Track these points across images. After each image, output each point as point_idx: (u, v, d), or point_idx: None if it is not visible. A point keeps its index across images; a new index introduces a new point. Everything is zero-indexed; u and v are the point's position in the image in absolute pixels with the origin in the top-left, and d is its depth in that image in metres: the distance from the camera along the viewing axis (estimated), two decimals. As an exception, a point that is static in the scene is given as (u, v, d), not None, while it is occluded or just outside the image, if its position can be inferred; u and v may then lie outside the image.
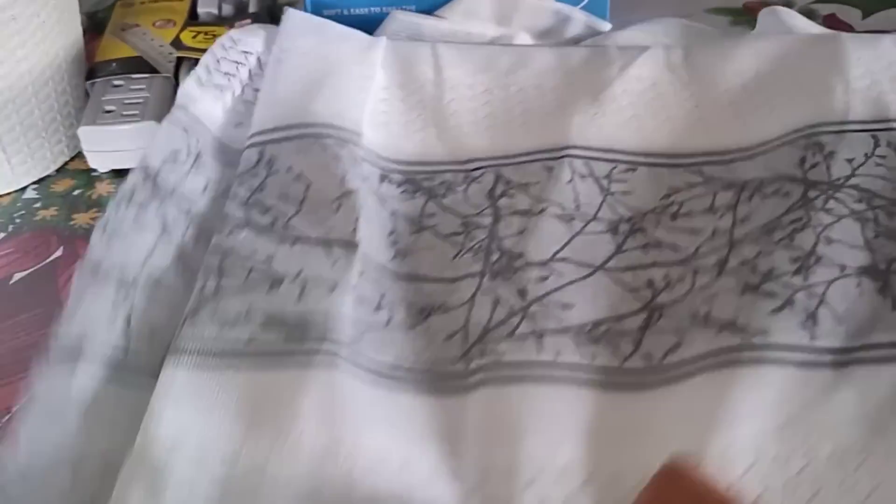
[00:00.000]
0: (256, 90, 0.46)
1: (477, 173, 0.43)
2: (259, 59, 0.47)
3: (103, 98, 0.48)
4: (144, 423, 0.30)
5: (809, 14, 0.57)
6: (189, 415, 0.30)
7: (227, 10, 0.58)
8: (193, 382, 0.31)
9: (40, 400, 0.32)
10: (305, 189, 0.39)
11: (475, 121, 0.46)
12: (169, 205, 0.39)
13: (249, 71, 0.47)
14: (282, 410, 0.31)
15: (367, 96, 0.45)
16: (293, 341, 0.33)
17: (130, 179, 0.39)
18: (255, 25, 0.51)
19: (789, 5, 0.61)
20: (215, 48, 0.47)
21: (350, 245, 0.37)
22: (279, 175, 0.40)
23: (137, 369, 0.33)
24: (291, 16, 0.48)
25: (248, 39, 0.48)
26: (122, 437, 0.31)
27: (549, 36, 0.53)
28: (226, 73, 0.46)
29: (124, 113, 0.47)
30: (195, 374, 0.32)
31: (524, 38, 0.53)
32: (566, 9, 0.53)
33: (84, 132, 0.47)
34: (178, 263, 0.38)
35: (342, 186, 0.39)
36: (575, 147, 0.42)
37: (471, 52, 0.49)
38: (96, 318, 0.34)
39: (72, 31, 0.48)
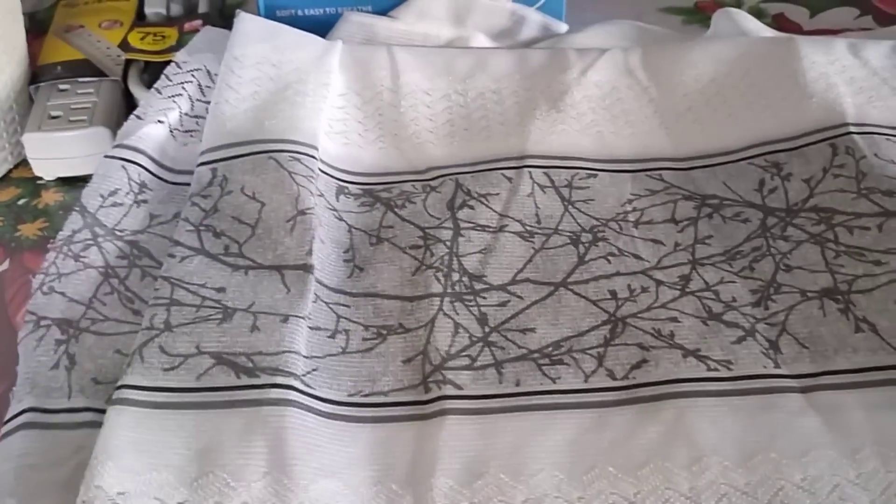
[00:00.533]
0: (207, 103, 0.45)
1: (436, 182, 0.42)
2: (209, 72, 0.46)
3: (48, 103, 0.47)
4: (87, 477, 0.28)
5: (759, 14, 0.58)
6: (134, 463, 0.29)
7: (176, 9, 0.57)
8: (140, 425, 0.30)
9: None
10: (259, 210, 0.38)
11: (433, 128, 0.45)
12: (110, 244, 0.38)
13: (199, 85, 0.45)
14: (233, 453, 0.29)
15: (323, 105, 0.44)
16: (245, 377, 0.32)
17: (69, 225, 0.38)
18: (203, 32, 0.49)
19: (739, 5, 0.62)
20: (159, 81, 0.46)
21: (304, 269, 0.36)
22: (232, 196, 0.39)
23: (81, 411, 0.33)
24: (243, 20, 0.47)
25: (194, 58, 0.47)
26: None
27: (505, 37, 0.54)
28: (170, 97, 0.44)
29: (71, 119, 0.46)
30: (142, 415, 0.30)
31: (480, 40, 0.53)
32: (522, 9, 0.53)
33: (28, 139, 0.45)
34: (122, 302, 0.37)
35: (296, 206, 0.38)
36: (534, 156, 0.42)
37: (427, 56, 0.48)
38: (39, 364, 0.34)
39: (14, 33, 0.46)
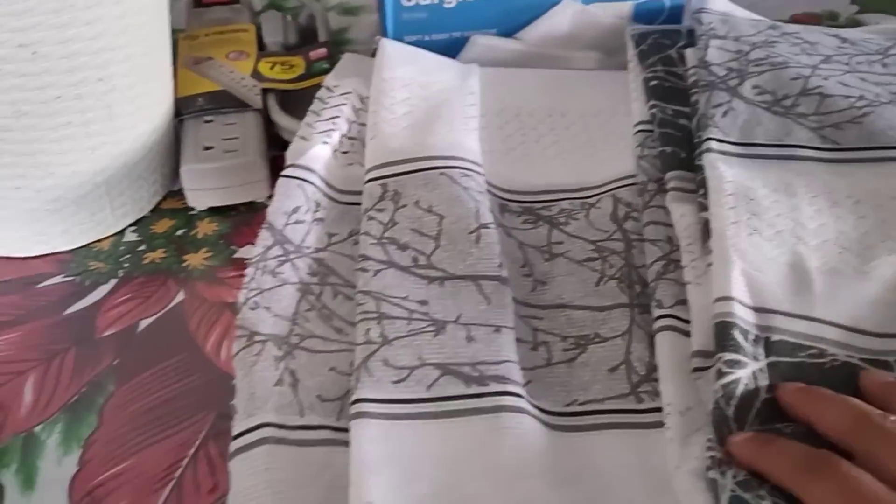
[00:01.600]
0: (362, 125, 0.46)
1: (592, 200, 0.44)
2: (359, 95, 0.47)
3: (199, 135, 0.48)
4: (353, 494, 0.29)
5: (855, 24, 0.60)
6: (392, 476, 0.30)
7: (292, 38, 0.58)
8: (386, 437, 0.31)
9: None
10: (438, 223, 0.40)
11: (572, 148, 0.47)
12: (300, 261, 0.39)
13: (353, 107, 0.47)
14: (481, 459, 0.31)
15: (474, 125, 0.45)
16: (475, 385, 0.33)
17: (261, 241, 0.39)
18: (345, 59, 0.51)
19: (835, 18, 0.63)
20: (314, 105, 0.47)
21: (499, 280, 0.37)
22: (408, 209, 0.40)
23: (317, 428, 0.33)
24: (386, 46, 0.49)
25: (344, 82, 0.48)
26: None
27: (621, 54, 0.55)
28: (330, 119, 0.46)
29: (225, 150, 0.47)
30: (385, 427, 0.31)
31: (599, 59, 0.54)
32: (641, 28, 0.54)
33: (187, 171, 0.46)
34: (322, 320, 0.38)
35: (478, 219, 0.39)
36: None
37: (557, 77, 0.50)
38: (262, 380, 0.35)
39: (166, 67, 0.47)
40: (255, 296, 0.37)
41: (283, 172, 0.42)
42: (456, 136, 0.44)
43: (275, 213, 0.40)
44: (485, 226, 0.39)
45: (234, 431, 0.33)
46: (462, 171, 0.42)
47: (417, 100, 0.46)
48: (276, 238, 0.39)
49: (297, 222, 0.40)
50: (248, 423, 0.33)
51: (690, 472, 0.30)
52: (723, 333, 0.32)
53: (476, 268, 0.37)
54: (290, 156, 0.43)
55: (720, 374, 0.30)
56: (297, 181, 0.42)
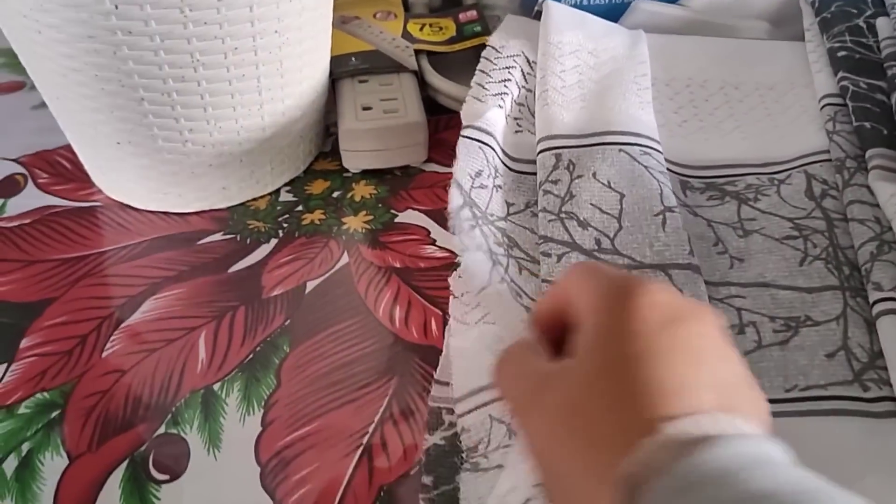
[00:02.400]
0: (529, 90, 0.44)
1: (782, 175, 0.41)
2: (527, 58, 0.45)
3: (357, 95, 0.46)
4: None
5: None
6: None
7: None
8: None
9: None
10: (619, 200, 0.37)
11: (752, 122, 0.44)
12: (487, 227, 0.38)
13: (522, 71, 0.45)
14: None
15: (648, 97, 0.43)
16: None
17: (453, 200, 0.37)
18: (508, 20, 0.49)
19: None
20: (483, 64, 0.45)
21: (691, 269, 0.35)
22: (584, 180, 0.38)
23: None
24: (551, 8, 0.47)
25: (511, 42, 0.46)
26: None
27: (790, 25, 0.52)
28: (501, 81, 0.44)
29: (385, 110, 0.45)
30: None
31: (767, 29, 0.51)
32: (811, -3, 0.51)
33: (346, 131, 0.45)
34: (513, 296, 0.36)
35: (663, 201, 0.37)
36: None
37: (727, 47, 0.47)
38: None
39: (326, 27, 0.45)
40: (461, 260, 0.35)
41: (464, 133, 0.41)
42: (632, 111, 0.41)
43: (461, 173, 0.39)
44: (670, 209, 0.37)
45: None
46: (642, 148, 0.40)
47: (587, 68, 0.43)
48: (465, 199, 0.38)
49: (480, 187, 0.39)
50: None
51: None
52: None
53: (664, 255, 0.35)
54: (466, 117, 0.42)
55: None
56: (479, 144, 0.40)
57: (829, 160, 0.41)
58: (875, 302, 0.33)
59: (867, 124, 0.40)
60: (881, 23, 0.44)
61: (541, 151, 0.40)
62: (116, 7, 0.35)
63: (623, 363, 0.22)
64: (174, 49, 0.37)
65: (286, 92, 0.42)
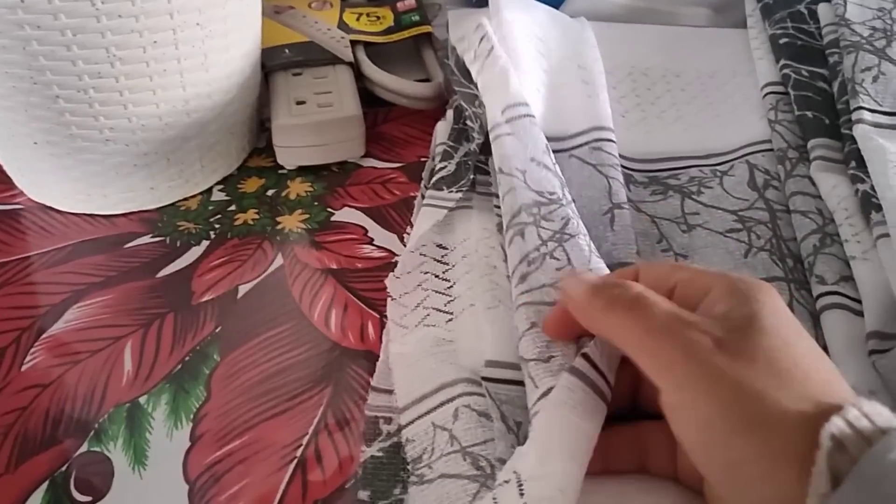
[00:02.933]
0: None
1: (724, 167, 0.41)
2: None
3: (290, 89, 0.45)
4: None
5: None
6: None
7: (373, -13, 0.55)
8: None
9: None
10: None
11: (694, 111, 0.44)
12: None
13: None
14: None
15: (602, 81, 0.42)
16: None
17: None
18: (456, 16, 0.47)
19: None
20: (468, 56, 0.43)
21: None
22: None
23: None
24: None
25: (473, 34, 0.44)
26: None
27: (731, 11, 0.51)
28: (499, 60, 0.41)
29: (319, 104, 0.44)
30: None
31: (709, 15, 0.51)
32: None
33: (280, 127, 0.43)
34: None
35: (610, 198, 0.36)
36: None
37: (668, 34, 0.47)
38: None
39: (254, 18, 0.43)
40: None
41: (515, 113, 0.37)
42: (580, 102, 0.40)
43: (537, 150, 0.36)
44: (618, 206, 0.36)
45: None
46: (590, 145, 0.38)
47: (537, 54, 0.42)
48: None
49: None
50: None
51: None
52: None
53: (612, 255, 0.34)
54: (512, 94, 0.38)
55: None
56: (530, 119, 0.37)
57: (772, 150, 0.40)
58: (819, 296, 0.33)
59: (809, 113, 0.39)
60: (822, 9, 0.44)
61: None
62: (22, 0, 0.33)
63: (778, 351, 0.21)
64: (87, 44, 0.35)
65: (213, 87, 0.40)
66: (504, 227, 0.33)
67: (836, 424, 0.19)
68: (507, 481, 0.24)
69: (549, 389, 0.25)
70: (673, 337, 0.22)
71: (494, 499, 0.23)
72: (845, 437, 0.19)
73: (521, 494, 0.23)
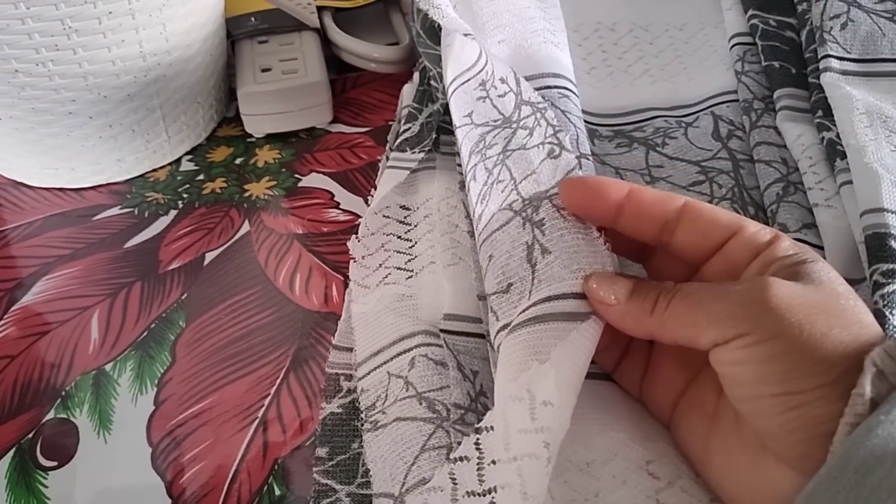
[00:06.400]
0: None
1: (689, 118, 0.40)
2: None
3: (255, 57, 0.45)
4: None
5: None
6: None
7: (344, -47, 0.54)
8: None
9: None
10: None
11: (661, 65, 0.43)
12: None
13: None
14: None
15: (564, 39, 0.41)
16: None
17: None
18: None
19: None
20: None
21: None
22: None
23: None
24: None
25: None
26: None
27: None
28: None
29: (284, 71, 0.44)
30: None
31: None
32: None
33: (245, 94, 0.43)
34: None
35: (578, 148, 0.36)
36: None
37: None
38: None
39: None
40: None
41: (545, 84, 0.37)
42: (549, 50, 0.40)
43: (486, 84, 0.36)
44: (584, 156, 0.36)
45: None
46: (559, 90, 0.38)
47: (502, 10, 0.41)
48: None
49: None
50: None
51: None
52: (877, 245, 0.28)
53: None
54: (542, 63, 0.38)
55: (877, 286, 0.27)
56: (568, 91, 0.37)
57: (737, 101, 0.40)
58: None
59: (776, 63, 0.39)
60: (789, -45, 0.43)
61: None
62: (-30, -27, 0.33)
63: (827, 300, 0.22)
64: (43, 16, 0.35)
65: (174, 56, 0.40)
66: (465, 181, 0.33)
67: (878, 353, 0.21)
68: (519, 399, 0.23)
69: (510, 323, 0.26)
70: (725, 294, 0.23)
71: (503, 414, 0.24)
72: (886, 366, 0.20)
73: (534, 419, 0.23)
